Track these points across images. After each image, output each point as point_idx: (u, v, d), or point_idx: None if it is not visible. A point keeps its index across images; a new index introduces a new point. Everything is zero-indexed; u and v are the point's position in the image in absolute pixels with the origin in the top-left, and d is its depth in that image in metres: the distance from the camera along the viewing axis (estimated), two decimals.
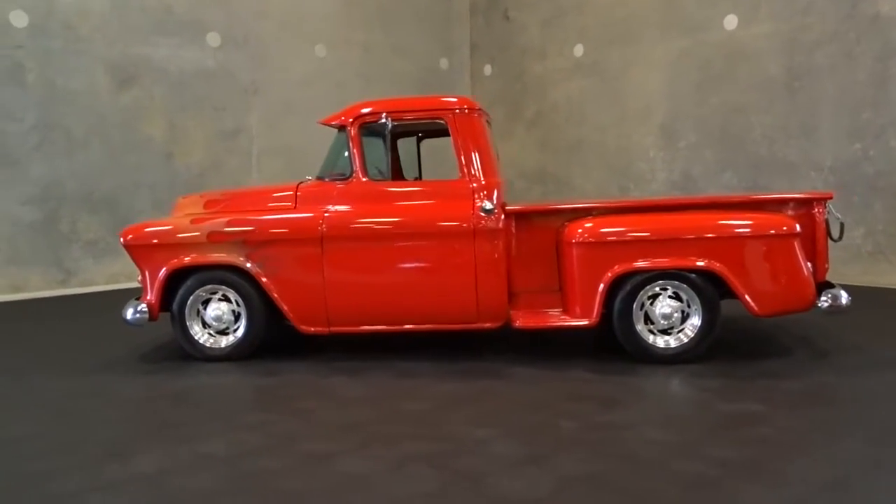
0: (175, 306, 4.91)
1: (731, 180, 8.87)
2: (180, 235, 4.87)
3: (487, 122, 5.28)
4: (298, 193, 4.89)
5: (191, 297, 4.90)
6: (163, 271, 4.87)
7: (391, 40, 11.33)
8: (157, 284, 4.89)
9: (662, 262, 4.47)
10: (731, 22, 8.70)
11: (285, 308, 4.79)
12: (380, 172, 5.00)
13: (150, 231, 4.92)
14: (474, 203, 4.67)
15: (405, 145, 6.06)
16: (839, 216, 4.70)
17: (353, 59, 10.97)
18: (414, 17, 11.57)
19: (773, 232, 4.42)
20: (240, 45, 9.94)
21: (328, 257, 4.72)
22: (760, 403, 3.74)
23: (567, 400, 3.89)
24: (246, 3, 9.96)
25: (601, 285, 4.51)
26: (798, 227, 4.46)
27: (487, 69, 11.96)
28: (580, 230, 4.54)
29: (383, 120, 4.75)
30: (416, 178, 6.01)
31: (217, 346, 4.92)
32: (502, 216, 4.67)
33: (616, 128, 10.15)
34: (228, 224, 4.82)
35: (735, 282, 4.42)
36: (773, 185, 8.41)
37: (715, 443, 3.21)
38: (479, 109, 4.93)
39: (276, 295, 4.78)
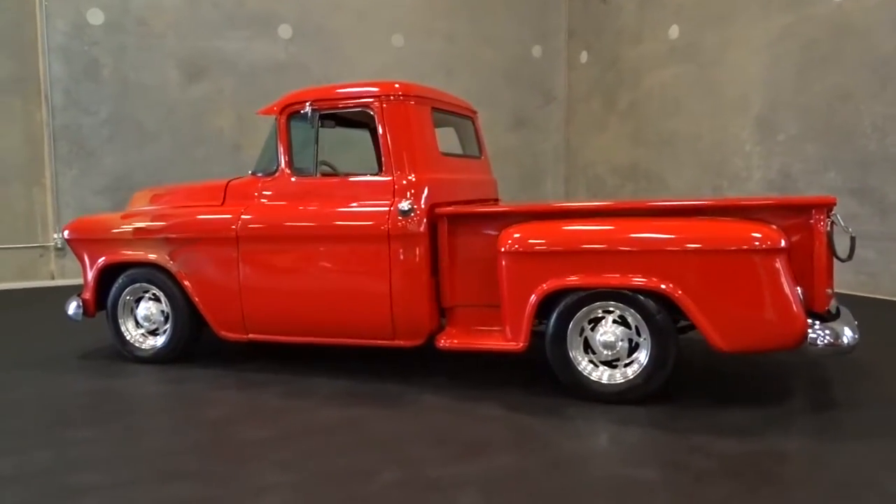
0: (109, 304, 4.76)
1: (834, 181, 7.47)
2: (111, 231, 4.71)
3: (443, 109, 4.65)
4: (227, 189, 4.56)
5: (122, 295, 4.73)
6: (96, 267, 4.73)
7: (477, 28, 10.76)
8: (92, 280, 4.77)
9: (601, 278, 3.67)
10: None
11: (204, 311, 4.48)
12: (326, 166, 4.59)
13: (86, 226, 4.82)
14: (394, 203, 4.08)
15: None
16: (848, 229, 3.62)
17: (435, 50, 10.53)
18: (503, 4, 10.91)
19: (746, 247, 3.47)
20: (312, 37, 9.83)
21: (243, 259, 4.34)
22: (664, 470, 2.90)
23: (431, 442, 3.24)
24: None
25: (530, 303, 3.78)
26: (783, 242, 3.48)
27: (583, 56, 11.05)
28: (510, 238, 3.83)
29: (306, 109, 4.29)
30: None
31: (143, 348, 4.71)
32: (424, 219, 4.04)
33: (711, 119, 8.95)
34: (153, 220, 4.59)
35: (691, 306, 3.52)
36: (883, 187, 6.98)
37: None
38: (418, 96, 4.31)
39: (195, 297, 4.48)
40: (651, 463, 2.98)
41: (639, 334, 3.71)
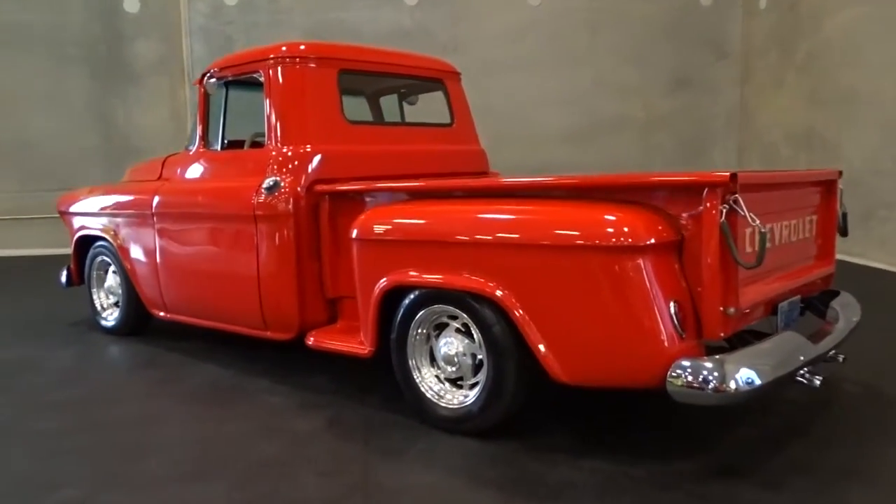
0: (86, 274, 4.93)
1: None
2: (80, 205, 4.84)
3: (374, 72, 4.10)
4: (164, 164, 4.43)
5: (92, 267, 4.86)
6: (74, 239, 4.92)
7: None
8: (72, 251, 4.96)
9: (436, 276, 2.94)
10: None
11: (136, 287, 4.43)
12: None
13: (68, 199, 5.01)
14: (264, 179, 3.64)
15: (387, 105, 5.00)
16: (755, 221, 2.48)
17: (576, 6, 9.55)
18: None
19: (592, 242, 2.54)
20: (439, 1, 9.42)
21: (159, 236, 4.20)
22: None
23: (176, 458, 2.83)
24: None
25: (373, 300, 3.17)
26: (652, 238, 2.49)
27: (763, 1, 9.30)
28: (360, 222, 3.24)
29: (212, 78, 4.00)
30: None
31: (103, 318, 4.81)
32: (292, 197, 3.55)
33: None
34: (105, 194, 4.63)
35: (522, 321, 2.68)
36: None
37: None
38: (320, 58, 3.79)
39: (130, 272, 4.45)
40: None
41: (482, 348, 2.92)
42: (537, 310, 2.66)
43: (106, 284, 4.80)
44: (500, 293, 2.71)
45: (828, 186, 3.41)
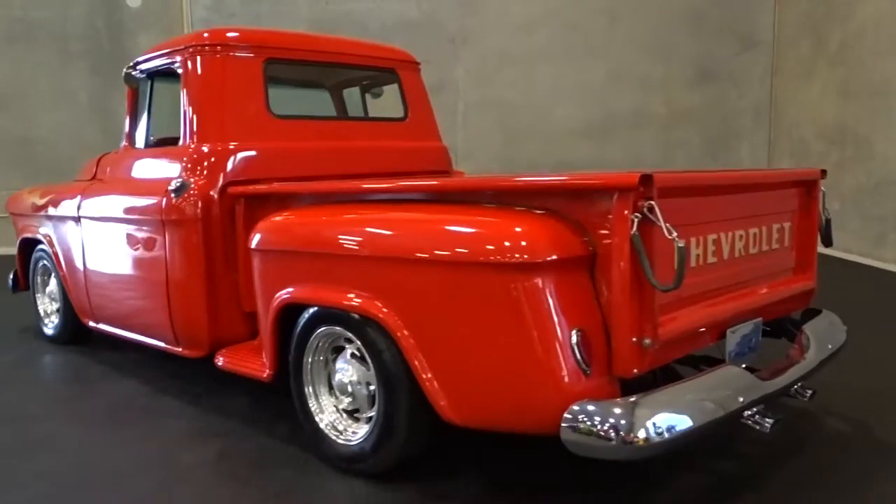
0: (30, 279, 4.69)
1: None
2: (20, 206, 4.62)
3: (310, 60, 3.73)
4: (99, 163, 4.14)
5: (35, 272, 4.63)
6: (19, 242, 4.69)
7: None
8: (17, 253, 4.74)
9: (326, 292, 2.58)
10: None
11: (68, 293, 4.16)
12: None
13: (13, 200, 4.78)
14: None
15: (351, 97, 4.65)
16: (673, 234, 2.02)
17: None
18: None
19: (479, 259, 2.13)
20: None
21: (83, 240, 3.91)
22: None
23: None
24: None
25: (269, 318, 2.82)
26: (554, 253, 2.08)
27: None
28: (258, 230, 2.89)
29: (130, 69, 3.70)
30: None
31: (46, 327, 4.56)
32: (201, 202, 3.20)
33: None
34: (42, 196, 4.38)
35: (408, 347, 2.29)
36: None
37: None
38: (243, 46, 3.43)
39: (62, 277, 4.18)
40: None
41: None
42: (424, 335, 2.26)
43: (48, 289, 4.55)
44: (386, 314, 2.33)
45: (807, 189, 2.93)
